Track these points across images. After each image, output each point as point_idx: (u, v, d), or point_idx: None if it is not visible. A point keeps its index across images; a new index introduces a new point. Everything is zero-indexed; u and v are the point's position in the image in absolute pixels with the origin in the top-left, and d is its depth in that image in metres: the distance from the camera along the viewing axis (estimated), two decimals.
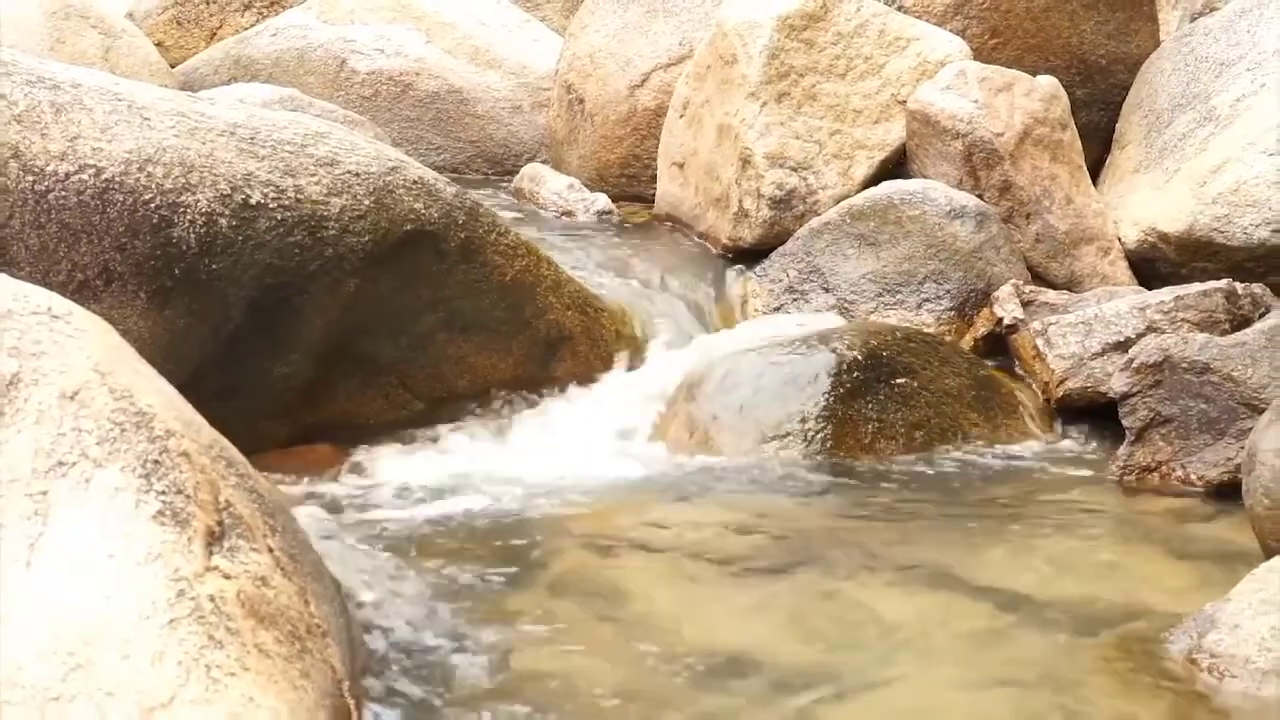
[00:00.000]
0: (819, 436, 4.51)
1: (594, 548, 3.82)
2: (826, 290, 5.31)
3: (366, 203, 4.42)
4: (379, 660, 3.04)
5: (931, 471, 4.48)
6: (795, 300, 5.33)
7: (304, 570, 2.73)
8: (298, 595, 2.60)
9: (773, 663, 3.16)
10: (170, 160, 4.13)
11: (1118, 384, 4.44)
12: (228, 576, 2.46)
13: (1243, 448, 4.05)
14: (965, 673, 3.15)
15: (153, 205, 4.09)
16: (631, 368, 5.01)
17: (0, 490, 2.41)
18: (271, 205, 4.25)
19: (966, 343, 5.09)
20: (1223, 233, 5.40)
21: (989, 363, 4.99)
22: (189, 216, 4.12)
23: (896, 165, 5.72)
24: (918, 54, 5.77)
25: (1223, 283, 4.86)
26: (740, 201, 5.60)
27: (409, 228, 4.49)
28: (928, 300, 5.22)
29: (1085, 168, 5.75)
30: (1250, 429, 3.96)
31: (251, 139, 4.31)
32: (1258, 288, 4.89)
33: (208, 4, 8.68)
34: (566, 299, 4.91)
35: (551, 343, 4.87)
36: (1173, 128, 5.78)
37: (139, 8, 8.67)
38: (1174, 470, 4.35)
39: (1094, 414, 4.79)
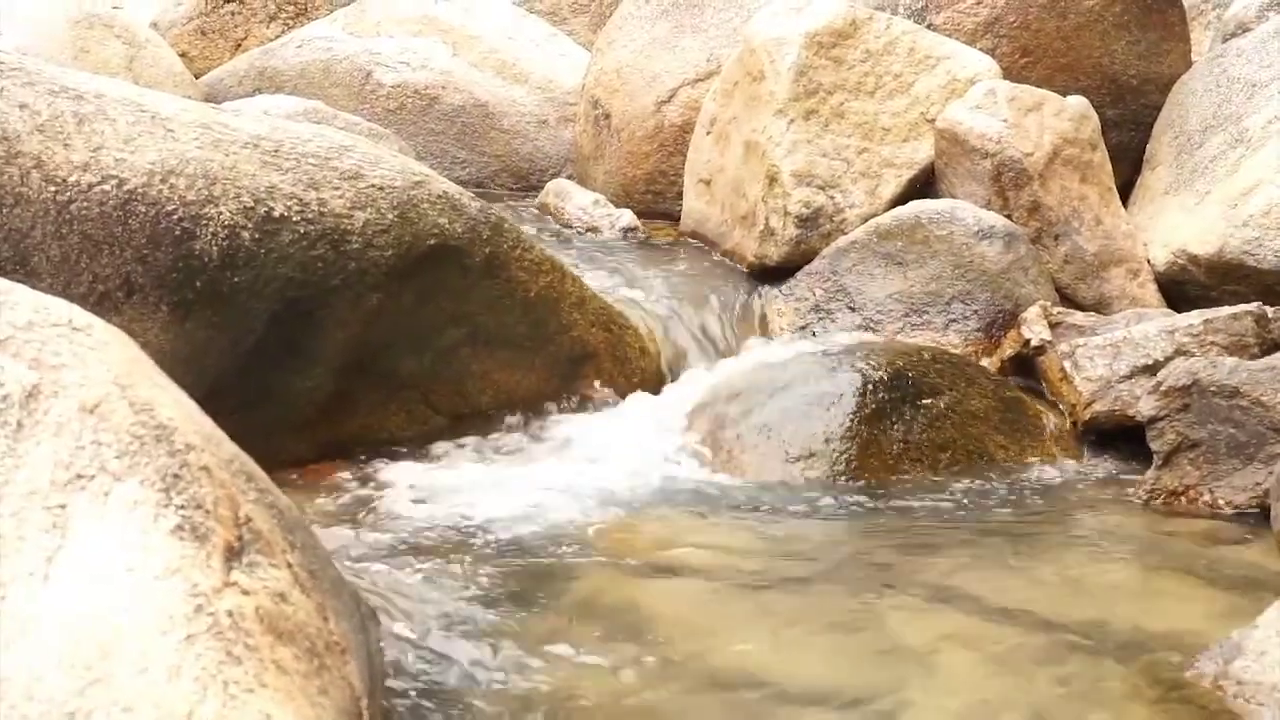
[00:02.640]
0: (844, 457, 4.48)
1: (616, 567, 3.79)
2: (853, 310, 5.29)
3: (390, 217, 4.40)
4: (398, 678, 3.02)
5: (957, 493, 4.45)
6: (821, 319, 5.31)
7: (323, 587, 2.71)
8: (316, 612, 2.58)
9: (795, 684, 3.14)
10: (193, 172, 4.11)
11: (1145, 407, 4.41)
12: (246, 592, 2.44)
13: (1271, 473, 4.03)
14: (986, 696, 3.12)
15: (175, 217, 4.07)
16: (656, 386, 4.99)
17: (19, 503, 2.39)
18: (294, 218, 4.24)
19: (993, 364, 5.06)
20: (1254, 255, 5.36)
21: (1015, 384, 4.97)
22: (211, 229, 4.10)
23: (924, 184, 5.70)
24: (947, 72, 5.75)
25: (1253, 306, 4.84)
26: (767, 219, 5.57)
27: (433, 242, 4.47)
28: (955, 321, 5.20)
29: (1115, 189, 5.73)
30: (1279, 454, 3.94)
31: (275, 151, 4.29)
32: None
33: (233, 15, 8.68)
34: (591, 316, 4.88)
35: (575, 359, 4.84)
36: (1204, 149, 5.76)
37: (164, 18, 8.68)
38: (1201, 495, 4.31)
39: (1121, 437, 4.76)
